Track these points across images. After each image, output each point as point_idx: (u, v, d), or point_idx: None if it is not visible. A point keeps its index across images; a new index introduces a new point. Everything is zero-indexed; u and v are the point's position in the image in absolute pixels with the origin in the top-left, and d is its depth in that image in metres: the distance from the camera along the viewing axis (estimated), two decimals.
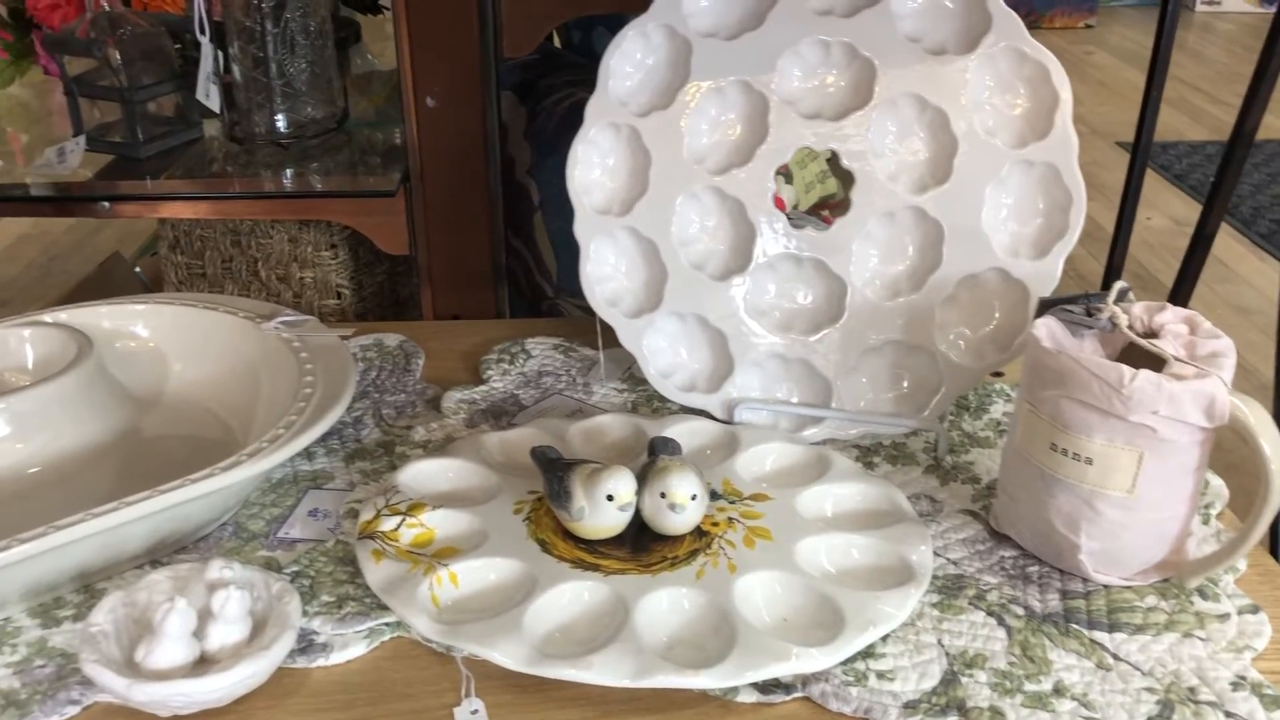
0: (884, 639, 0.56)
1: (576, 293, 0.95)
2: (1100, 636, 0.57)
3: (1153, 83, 0.97)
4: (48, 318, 0.75)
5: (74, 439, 0.69)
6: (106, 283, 1.13)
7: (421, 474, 0.66)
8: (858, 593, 0.57)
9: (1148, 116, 0.98)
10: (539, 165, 0.99)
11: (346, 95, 1.02)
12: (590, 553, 0.59)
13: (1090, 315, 0.61)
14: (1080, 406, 0.57)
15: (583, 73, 1.01)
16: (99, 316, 0.76)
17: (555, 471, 0.61)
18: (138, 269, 1.21)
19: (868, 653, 0.56)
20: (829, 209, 0.91)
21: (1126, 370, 0.55)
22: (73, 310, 0.76)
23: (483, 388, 0.80)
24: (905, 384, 0.73)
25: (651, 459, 0.63)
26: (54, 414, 0.68)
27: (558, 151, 0.99)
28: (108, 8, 0.93)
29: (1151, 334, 0.60)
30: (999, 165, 0.70)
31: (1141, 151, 0.98)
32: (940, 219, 0.71)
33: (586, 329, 0.87)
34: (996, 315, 0.72)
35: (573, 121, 0.93)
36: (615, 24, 1.06)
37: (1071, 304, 0.62)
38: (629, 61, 0.75)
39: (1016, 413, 0.62)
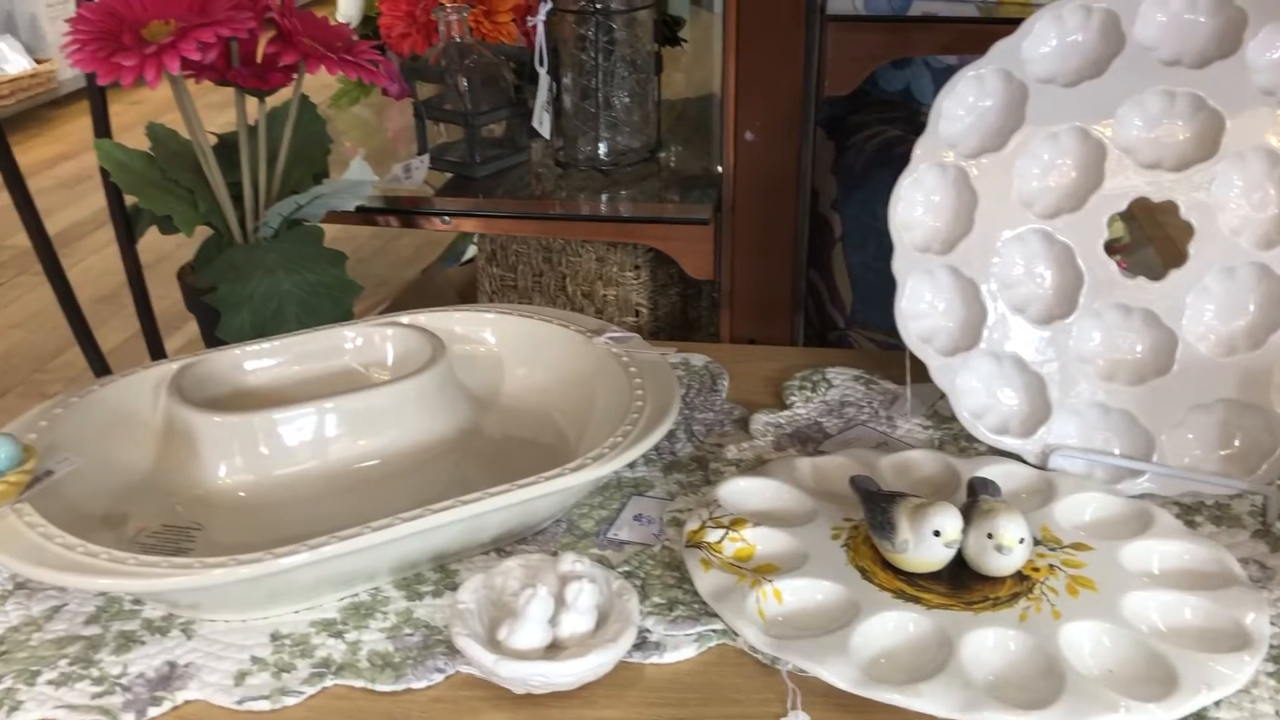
0: (1217, 704, 0.55)
1: (869, 325, 0.97)
2: None
3: None
4: (405, 319, 0.83)
5: (425, 432, 0.76)
6: (428, 288, 1.23)
7: (740, 491, 0.69)
8: (1192, 653, 0.56)
9: None
10: (845, 200, 1.01)
11: (659, 125, 1.08)
12: (910, 584, 0.61)
13: None
14: None
15: (893, 110, 1.03)
16: (452, 321, 0.83)
17: (878, 503, 0.63)
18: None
19: (1199, 715, 0.55)
20: (1117, 252, 0.89)
21: None
22: (429, 314, 0.83)
23: (787, 413, 0.82)
24: (1236, 443, 0.71)
25: (974, 499, 0.64)
26: (409, 409, 0.75)
27: (865, 187, 1.02)
28: (459, 39, 1.02)
29: None
30: None
31: None
32: None
33: (884, 362, 0.88)
34: None
35: (881, 159, 0.96)
36: (934, 62, 1.08)
37: None
38: (961, 105, 0.76)
39: None
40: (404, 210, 0.99)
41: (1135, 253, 0.90)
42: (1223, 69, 0.70)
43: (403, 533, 0.59)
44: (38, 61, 3.32)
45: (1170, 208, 0.72)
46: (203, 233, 0.86)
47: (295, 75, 0.81)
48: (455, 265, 1.44)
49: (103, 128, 1.02)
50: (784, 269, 0.99)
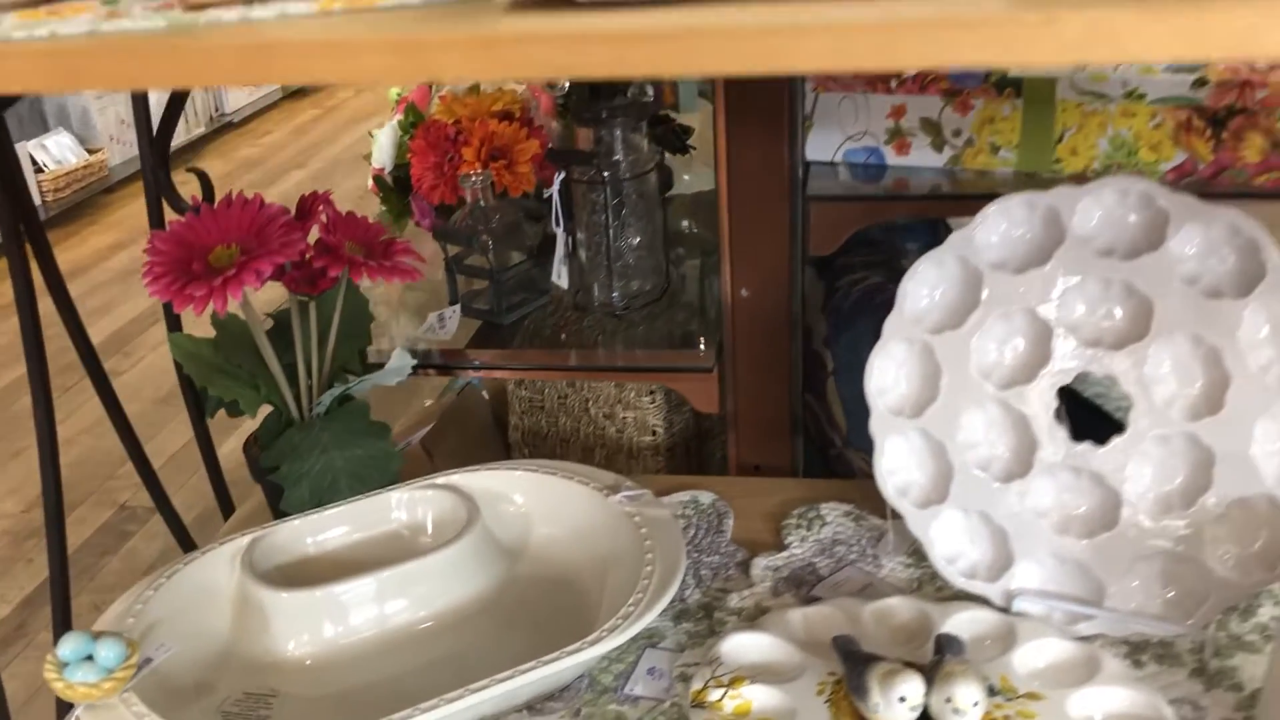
0: None
1: (863, 448, 1.07)
2: None
3: None
4: (441, 481, 0.94)
5: (468, 590, 0.87)
6: (463, 407, 1.35)
7: (740, 646, 0.80)
8: None
9: None
10: (834, 339, 1.12)
11: (668, 267, 1.18)
12: None
13: None
14: None
15: (876, 253, 1.13)
16: (483, 479, 0.94)
17: (855, 665, 0.73)
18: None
19: None
20: None
21: None
22: (463, 474, 0.94)
23: (784, 554, 0.93)
24: (1174, 592, 0.80)
25: (939, 658, 0.74)
26: (453, 572, 0.86)
27: (852, 329, 1.12)
28: (483, 203, 1.13)
29: None
30: (1271, 401, 0.77)
31: None
32: (1212, 446, 0.78)
33: (873, 493, 0.98)
34: (1265, 536, 0.78)
35: (865, 304, 1.06)
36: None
37: None
38: (924, 286, 0.86)
39: (1277, 655, 0.69)
40: (439, 365, 1.10)
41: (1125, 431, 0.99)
42: (1150, 260, 0.79)
43: (447, 713, 0.70)
44: (89, 151, 3.49)
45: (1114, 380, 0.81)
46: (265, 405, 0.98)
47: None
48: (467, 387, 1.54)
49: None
50: (782, 402, 1.09)
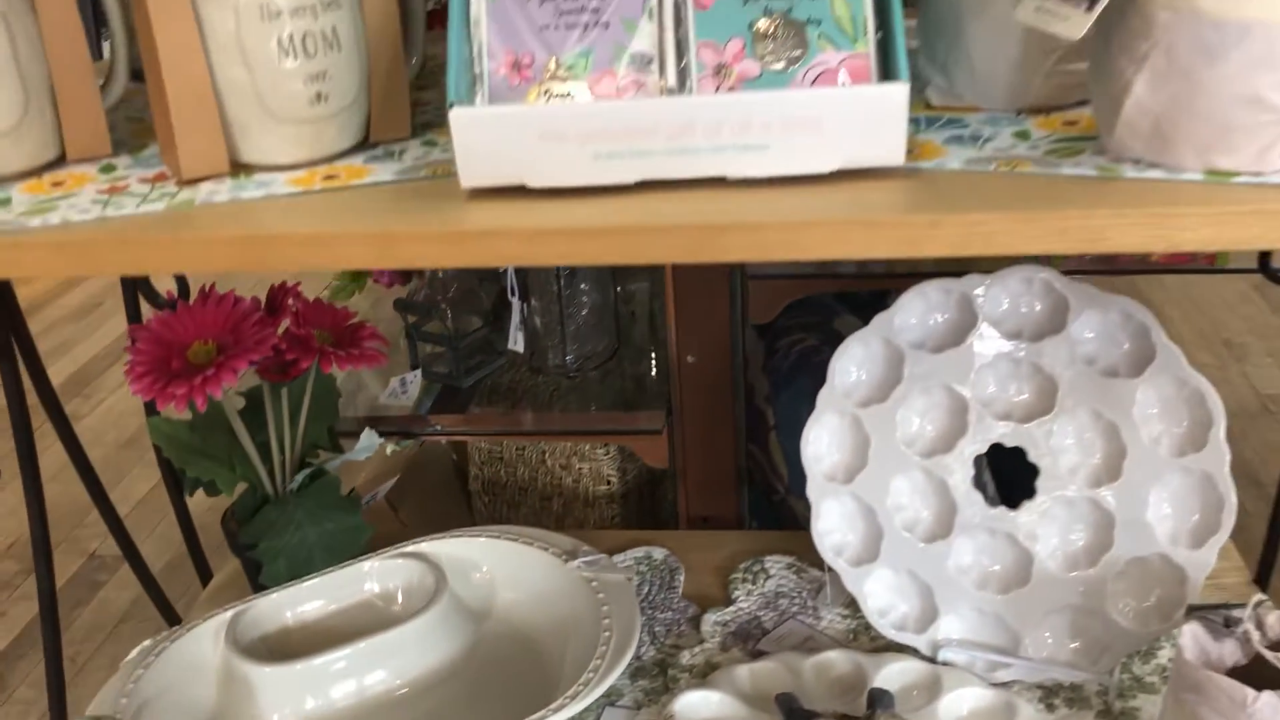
0: None
1: (803, 495, 1.15)
2: None
3: None
4: (409, 549, 1.00)
5: (440, 654, 0.93)
6: (427, 458, 1.41)
7: (690, 705, 0.87)
8: None
9: None
10: (775, 396, 1.19)
11: (619, 330, 1.25)
12: None
13: (1228, 625, 0.76)
14: (1215, 715, 0.72)
15: (812, 316, 1.21)
16: (448, 546, 1.01)
17: None
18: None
19: None
20: None
21: (1250, 693, 0.70)
22: (430, 542, 1.01)
23: (732, 609, 1.00)
24: (1081, 641, 0.89)
25: (871, 712, 0.82)
26: (425, 639, 0.93)
27: (790, 389, 1.20)
28: (441, 272, 1.19)
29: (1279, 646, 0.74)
30: (1162, 471, 0.85)
31: None
32: (1112, 510, 0.87)
33: (812, 544, 1.06)
34: (1159, 591, 0.87)
35: (802, 365, 1.14)
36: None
37: (1215, 611, 0.77)
38: (852, 363, 0.94)
39: (1168, 699, 0.77)
40: (403, 432, 1.17)
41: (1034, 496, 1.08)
42: (1054, 342, 0.88)
43: None
44: None
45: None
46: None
47: None
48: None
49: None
50: (727, 457, 1.17)
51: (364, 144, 0.65)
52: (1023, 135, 0.58)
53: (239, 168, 0.61)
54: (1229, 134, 0.49)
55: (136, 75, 0.69)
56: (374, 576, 0.98)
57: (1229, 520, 0.84)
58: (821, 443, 0.96)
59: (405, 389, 1.21)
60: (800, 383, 1.15)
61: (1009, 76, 0.59)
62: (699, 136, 0.52)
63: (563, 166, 0.53)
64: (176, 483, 1.26)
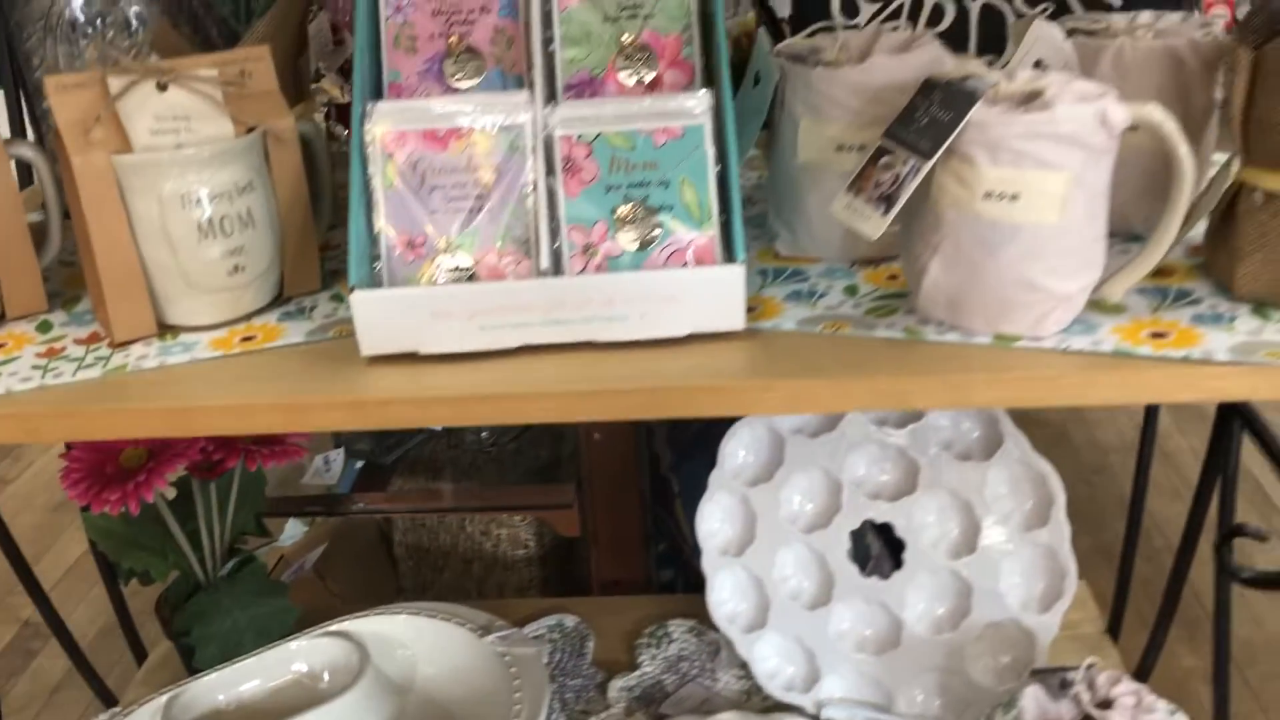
0: None
1: None
2: None
3: None
4: (334, 628, 1.07)
5: None
6: (352, 524, 1.48)
7: None
8: None
9: None
10: (678, 467, 1.28)
11: None
12: None
13: (1064, 686, 0.86)
14: None
15: None
16: (371, 624, 1.08)
17: None
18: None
19: None
20: None
21: None
22: (354, 620, 1.08)
23: (637, 674, 1.09)
24: (947, 698, 0.99)
25: None
26: (340, 719, 1.00)
27: (692, 459, 1.29)
28: None
29: (1107, 704, 0.85)
30: (1010, 542, 0.96)
31: None
32: (970, 579, 0.97)
33: None
34: (1013, 653, 0.97)
35: (702, 440, 1.23)
36: None
37: (1053, 674, 0.87)
38: (741, 446, 1.03)
39: None
40: (326, 512, 1.24)
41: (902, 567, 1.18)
42: (915, 429, 0.98)
43: None
44: None
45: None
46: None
47: None
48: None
49: None
50: (634, 525, 1.25)
51: (279, 299, 0.73)
52: (851, 290, 0.68)
53: (165, 328, 0.68)
54: (1009, 309, 0.58)
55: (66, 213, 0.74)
56: (301, 656, 1.05)
57: (1071, 588, 0.95)
58: (714, 519, 1.05)
59: (329, 467, 1.28)
60: (700, 456, 1.24)
61: (841, 236, 0.68)
62: (569, 310, 0.61)
63: (451, 336, 0.61)
64: (106, 562, 1.31)
